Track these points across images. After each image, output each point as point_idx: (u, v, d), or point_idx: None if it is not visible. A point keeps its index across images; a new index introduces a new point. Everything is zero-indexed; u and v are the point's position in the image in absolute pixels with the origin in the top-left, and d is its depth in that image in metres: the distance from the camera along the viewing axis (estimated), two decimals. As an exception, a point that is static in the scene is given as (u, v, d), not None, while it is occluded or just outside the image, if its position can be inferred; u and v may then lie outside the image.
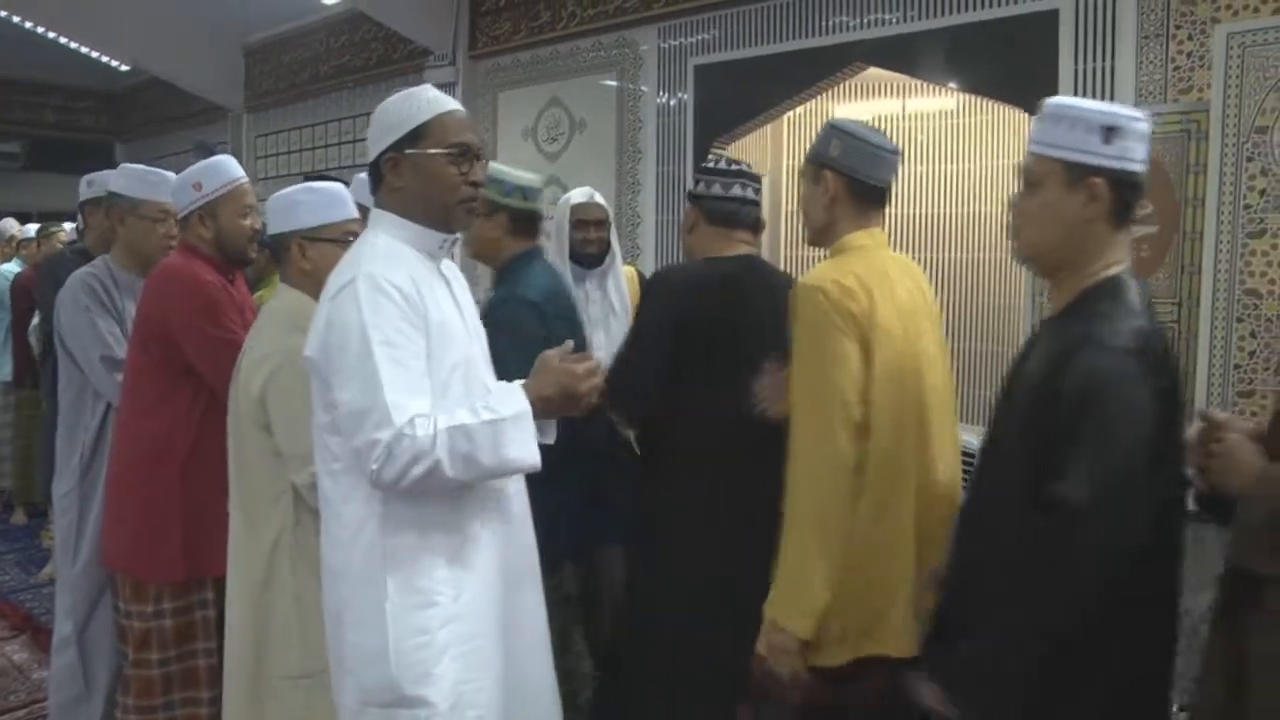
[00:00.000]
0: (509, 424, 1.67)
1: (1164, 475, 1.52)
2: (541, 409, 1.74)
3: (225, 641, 2.26)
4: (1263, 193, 3.01)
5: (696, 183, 2.55)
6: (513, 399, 1.72)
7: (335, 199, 2.26)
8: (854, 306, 1.90)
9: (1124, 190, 1.59)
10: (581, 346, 3.08)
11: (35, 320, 5.03)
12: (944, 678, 1.64)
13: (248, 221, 2.57)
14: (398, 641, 1.68)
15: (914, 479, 1.96)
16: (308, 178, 2.75)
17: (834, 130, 2.07)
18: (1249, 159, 3.02)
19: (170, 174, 2.88)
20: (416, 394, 1.65)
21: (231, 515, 2.22)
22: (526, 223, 2.71)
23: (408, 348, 1.66)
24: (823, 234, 2.10)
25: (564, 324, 2.56)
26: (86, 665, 2.87)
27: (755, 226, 2.51)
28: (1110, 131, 1.57)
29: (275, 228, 2.28)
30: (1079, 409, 1.47)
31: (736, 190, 2.45)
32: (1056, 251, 1.64)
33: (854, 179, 2.04)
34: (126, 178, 2.90)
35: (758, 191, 2.49)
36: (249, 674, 2.16)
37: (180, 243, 2.63)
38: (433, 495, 1.70)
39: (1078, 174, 1.58)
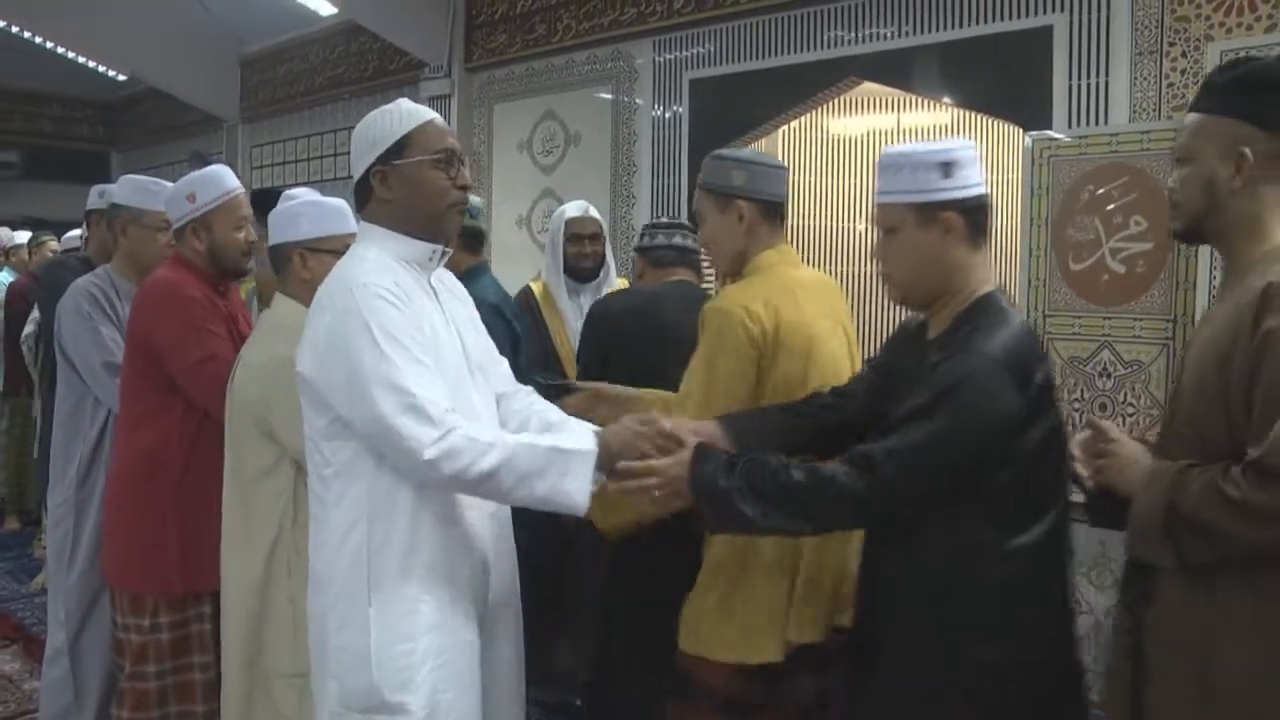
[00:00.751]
0: (576, 459, 1.70)
1: (1021, 468, 1.62)
2: (604, 457, 1.75)
3: (222, 640, 2.26)
4: (1255, 209, 3.03)
5: (641, 237, 2.89)
6: (583, 437, 1.76)
7: (337, 212, 2.28)
8: (756, 329, 1.98)
9: (974, 215, 1.73)
10: (546, 350, 3.22)
11: (29, 329, 5.03)
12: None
13: (242, 234, 2.55)
14: (380, 647, 1.69)
15: None
16: (254, 197, 2.79)
17: (727, 161, 2.14)
18: (1241, 176, 3.04)
19: (171, 184, 2.90)
20: (439, 387, 1.67)
21: (226, 515, 2.23)
22: (475, 239, 3.13)
23: (417, 346, 1.69)
24: (738, 260, 2.15)
25: (521, 324, 3.07)
26: (78, 676, 2.86)
27: (694, 267, 2.83)
28: (947, 166, 1.71)
29: (276, 238, 2.29)
30: (933, 398, 1.60)
31: (677, 239, 2.80)
32: (926, 284, 1.77)
33: (765, 202, 2.12)
34: (128, 188, 2.91)
35: (696, 240, 2.65)
36: (244, 672, 2.17)
37: (173, 255, 2.61)
38: (450, 502, 1.75)
39: (928, 212, 1.72)
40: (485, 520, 1.85)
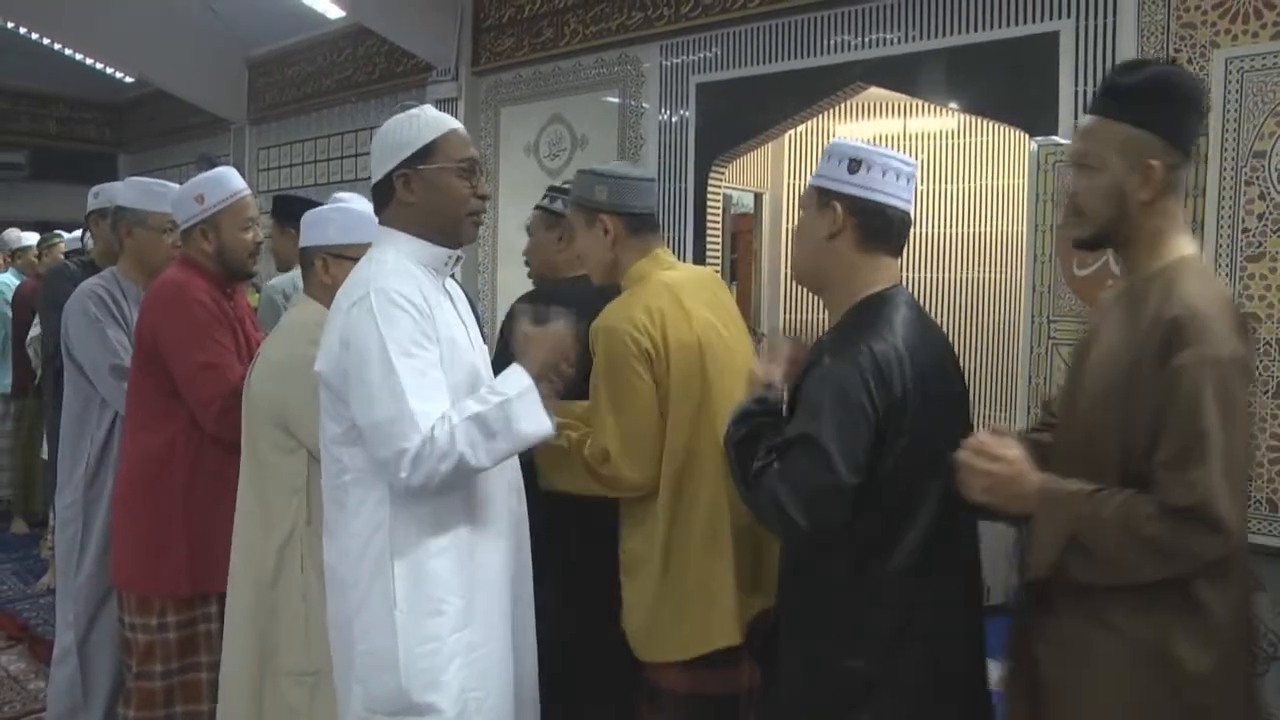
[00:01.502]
0: (516, 401, 1.74)
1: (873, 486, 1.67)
2: (541, 376, 1.80)
3: (225, 639, 2.27)
4: (1261, 216, 3.03)
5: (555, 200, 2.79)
6: (514, 378, 1.79)
7: (364, 220, 2.29)
8: (646, 342, 2.06)
9: (867, 216, 1.78)
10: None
11: (34, 332, 5.04)
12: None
13: (249, 235, 2.57)
14: (408, 649, 1.71)
15: (720, 478, 2.06)
16: (279, 203, 2.76)
17: (592, 175, 2.23)
18: (1247, 183, 3.05)
19: (177, 186, 2.90)
20: (438, 401, 1.70)
21: (240, 512, 2.24)
22: None
23: (426, 358, 1.72)
24: (610, 272, 2.25)
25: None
26: (86, 676, 2.87)
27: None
28: (856, 163, 1.77)
29: (305, 241, 2.33)
30: (804, 396, 1.71)
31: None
32: (810, 267, 1.87)
33: (630, 214, 2.20)
34: (134, 190, 2.92)
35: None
36: (252, 670, 2.18)
37: (180, 256, 2.62)
38: (458, 489, 1.77)
39: (825, 199, 1.80)
40: (506, 515, 1.87)
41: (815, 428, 1.63)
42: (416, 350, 1.70)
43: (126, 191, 2.94)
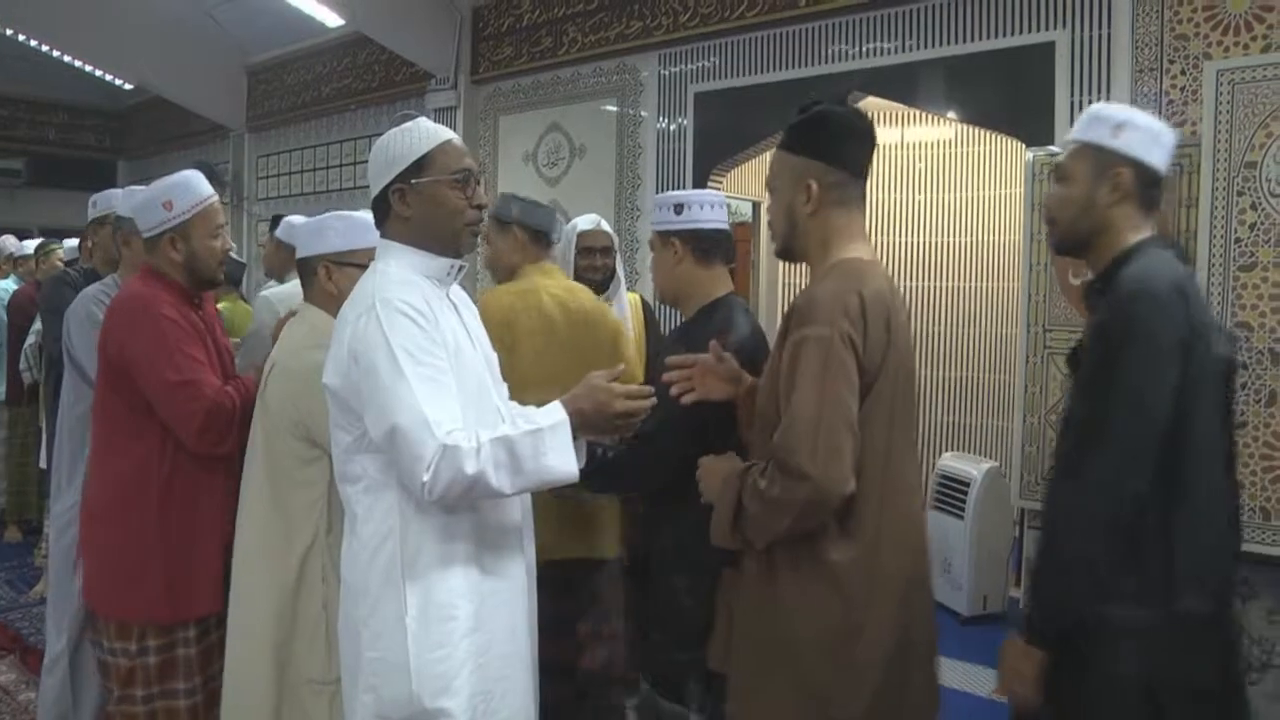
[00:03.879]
0: (548, 433, 1.72)
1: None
2: (578, 422, 1.78)
3: (234, 651, 2.22)
4: (1252, 226, 3.04)
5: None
6: (551, 411, 1.78)
7: (363, 227, 2.26)
8: (506, 309, 2.59)
9: (699, 241, 2.33)
10: None
11: (30, 340, 5.03)
12: None
13: (218, 242, 2.45)
14: (418, 656, 1.70)
15: None
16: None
17: (510, 197, 2.81)
18: (1239, 193, 3.05)
19: None
20: (450, 408, 1.69)
21: (256, 522, 2.21)
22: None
23: (435, 364, 1.71)
24: (510, 273, 2.76)
25: None
26: (75, 685, 2.85)
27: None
28: (680, 207, 2.35)
29: (304, 250, 2.30)
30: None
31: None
32: (670, 289, 2.41)
33: (533, 230, 2.75)
34: (132, 199, 2.90)
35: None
36: (269, 680, 2.15)
37: (143, 266, 2.47)
38: (481, 503, 1.77)
39: (665, 238, 2.37)
40: (517, 521, 1.87)
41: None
42: (426, 358, 1.70)
43: (125, 200, 2.92)
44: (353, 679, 1.78)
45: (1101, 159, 1.77)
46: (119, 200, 3.00)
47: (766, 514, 1.68)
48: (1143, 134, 1.77)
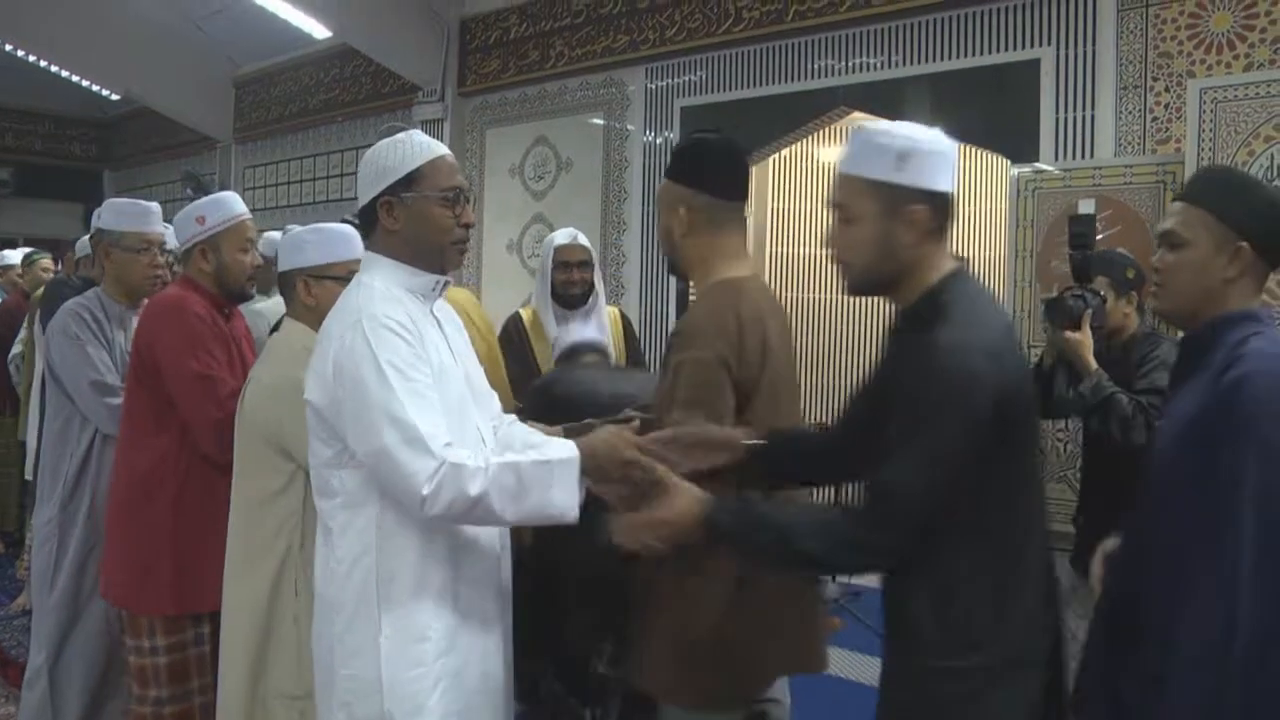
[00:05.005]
0: (557, 467, 1.70)
1: None
2: (589, 464, 1.74)
3: (221, 658, 2.25)
4: (1237, 244, 3.05)
5: None
6: (563, 446, 1.76)
7: (340, 239, 2.30)
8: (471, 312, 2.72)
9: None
10: (532, 378, 3.24)
11: (16, 349, 5.00)
12: None
13: (248, 257, 2.60)
14: (392, 674, 1.69)
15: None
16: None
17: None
18: (1223, 210, 3.07)
19: (152, 205, 2.90)
20: (441, 422, 1.67)
21: (233, 534, 2.23)
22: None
23: (422, 379, 1.69)
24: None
25: None
26: (55, 699, 2.82)
27: None
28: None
29: (283, 265, 2.33)
30: None
31: None
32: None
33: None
34: (110, 211, 2.92)
35: None
36: (244, 691, 2.16)
37: (180, 276, 2.65)
38: (482, 526, 1.77)
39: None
40: (495, 543, 1.86)
41: None
42: (414, 373, 1.68)
43: (104, 213, 2.94)
44: (326, 695, 1.77)
45: (892, 196, 1.57)
46: (102, 214, 3.00)
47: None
48: (928, 159, 1.59)
